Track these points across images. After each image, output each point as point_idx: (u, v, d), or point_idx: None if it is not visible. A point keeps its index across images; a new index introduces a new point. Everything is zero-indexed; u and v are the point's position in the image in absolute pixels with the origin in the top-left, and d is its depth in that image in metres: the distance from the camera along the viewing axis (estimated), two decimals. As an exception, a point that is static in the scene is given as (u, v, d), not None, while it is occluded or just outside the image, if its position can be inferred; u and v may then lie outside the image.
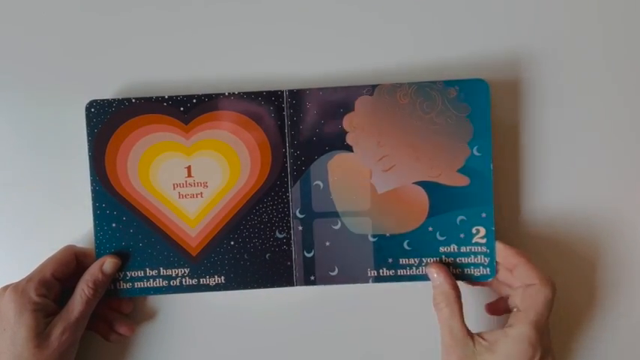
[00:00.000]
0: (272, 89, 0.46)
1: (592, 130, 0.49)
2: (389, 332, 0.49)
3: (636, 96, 0.49)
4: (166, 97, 0.45)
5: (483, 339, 0.42)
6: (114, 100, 0.45)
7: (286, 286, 0.47)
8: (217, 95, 0.46)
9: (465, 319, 0.43)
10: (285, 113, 0.46)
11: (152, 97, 0.46)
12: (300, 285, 0.47)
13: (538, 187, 0.49)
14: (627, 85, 0.49)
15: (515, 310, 0.44)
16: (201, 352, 0.49)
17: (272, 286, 0.47)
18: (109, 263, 0.45)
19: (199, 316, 0.49)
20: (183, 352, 0.49)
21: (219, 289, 0.47)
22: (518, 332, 0.41)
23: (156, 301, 0.49)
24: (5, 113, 0.48)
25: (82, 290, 0.43)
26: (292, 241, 0.47)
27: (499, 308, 0.47)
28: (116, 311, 0.47)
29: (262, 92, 0.46)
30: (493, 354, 0.42)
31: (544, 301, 0.42)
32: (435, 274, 0.45)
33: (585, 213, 0.49)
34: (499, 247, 0.46)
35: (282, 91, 0.46)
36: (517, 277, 0.44)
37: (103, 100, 0.45)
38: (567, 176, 0.49)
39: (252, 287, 0.47)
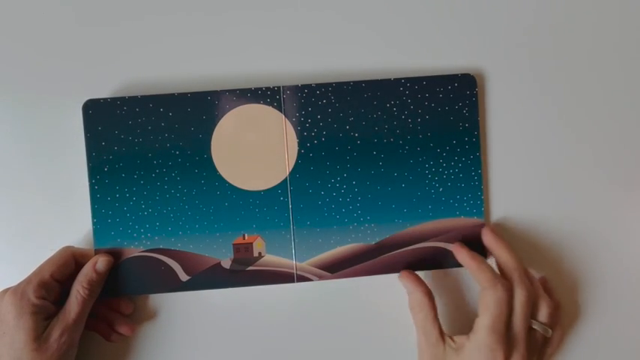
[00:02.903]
0: (269, 85, 0.46)
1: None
2: (390, 325, 0.49)
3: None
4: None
5: (453, 341, 0.44)
6: (110, 99, 0.46)
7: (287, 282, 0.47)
8: (214, 93, 0.46)
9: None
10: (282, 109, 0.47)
11: (148, 96, 0.46)
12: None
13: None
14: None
15: None
16: (202, 352, 0.48)
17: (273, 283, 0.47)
18: (101, 262, 0.44)
19: (200, 315, 0.48)
20: (183, 352, 0.48)
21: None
22: (477, 339, 0.43)
23: (157, 300, 0.48)
24: (3, 113, 0.47)
25: (77, 291, 0.43)
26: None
27: None
28: (116, 312, 0.47)
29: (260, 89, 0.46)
30: (459, 356, 0.43)
31: (495, 304, 0.43)
32: (406, 281, 0.46)
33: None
34: (456, 248, 0.47)
35: (279, 87, 0.47)
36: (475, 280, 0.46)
37: (99, 99, 0.45)
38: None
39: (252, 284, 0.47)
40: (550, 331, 0.44)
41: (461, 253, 0.46)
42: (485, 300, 0.43)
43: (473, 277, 0.45)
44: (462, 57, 0.49)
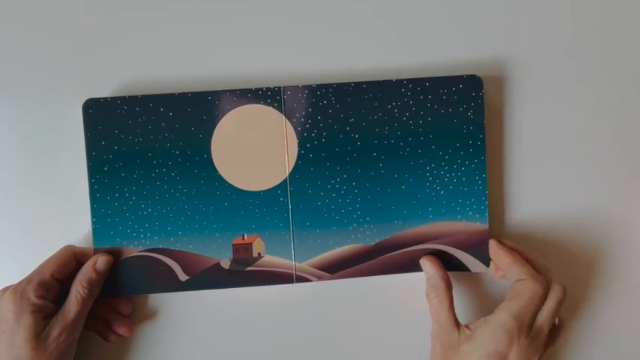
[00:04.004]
0: (269, 86, 0.46)
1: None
2: (389, 326, 0.49)
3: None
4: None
5: (468, 328, 0.44)
6: (111, 98, 0.45)
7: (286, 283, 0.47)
8: (215, 93, 0.46)
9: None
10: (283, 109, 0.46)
11: (149, 96, 0.46)
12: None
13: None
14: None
15: None
16: (201, 352, 0.49)
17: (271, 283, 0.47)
18: (101, 261, 0.45)
19: (199, 316, 0.48)
20: (182, 352, 0.49)
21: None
22: (496, 319, 0.42)
23: (156, 300, 0.48)
24: (3, 113, 0.48)
25: (77, 291, 0.43)
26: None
27: None
28: (115, 311, 0.47)
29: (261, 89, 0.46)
30: (472, 341, 0.43)
31: (529, 295, 0.42)
32: (428, 265, 0.46)
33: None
34: (492, 245, 0.46)
35: (279, 88, 0.46)
36: (509, 275, 0.45)
37: (100, 99, 0.45)
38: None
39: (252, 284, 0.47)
40: (557, 318, 0.45)
41: (497, 249, 0.46)
42: (521, 289, 0.43)
43: (508, 271, 0.45)
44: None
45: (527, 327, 0.42)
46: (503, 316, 0.42)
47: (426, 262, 0.46)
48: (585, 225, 0.49)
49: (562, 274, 0.49)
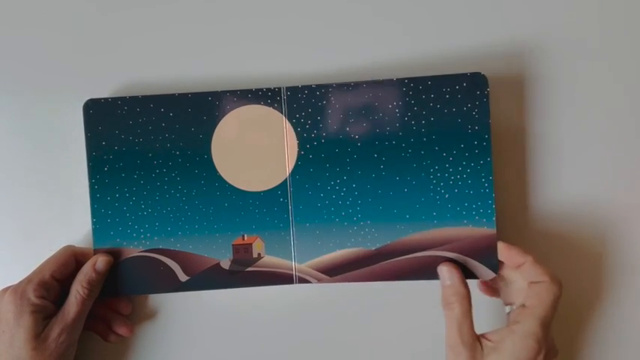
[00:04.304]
0: (269, 86, 0.46)
1: (596, 126, 0.47)
2: (389, 328, 0.49)
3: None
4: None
5: (489, 340, 0.42)
6: (111, 99, 0.46)
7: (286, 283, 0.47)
8: (215, 93, 0.46)
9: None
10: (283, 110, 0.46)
11: (149, 96, 0.46)
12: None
13: (542, 185, 0.48)
14: (633, 79, 0.47)
15: (518, 306, 0.43)
16: (201, 353, 0.49)
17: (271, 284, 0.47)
18: (101, 262, 0.45)
19: (199, 316, 0.49)
20: (182, 352, 0.49)
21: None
22: (525, 328, 0.41)
23: (156, 301, 0.49)
24: (3, 112, 0.48)
25: (77, 291, 0.43)
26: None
27: (493, 289, 0.47)
28: (115, 312, 0.47)
29: (261, 89, 0.46)
30: (500, 353, 0.41)
31: (552, 299, 0.41)
32: (447, 273, 0.44)
33: (591, 210, 0.48)
34: (501, 247, 0.45)
35: (279, 88, 0.46)
36: (524, 275, 0.43)
37: (100, 99, 0.46)
38: (572, 173, 0.48)
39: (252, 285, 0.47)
40: None
41: (510, 250, 0.44)
42: (542, 293, 0.41)
43: (524, 272, 0.43)
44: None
45: (549, 334, 0.41)
46: (532, 325, 0.40)
47: (444, 269, 0.44)
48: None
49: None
